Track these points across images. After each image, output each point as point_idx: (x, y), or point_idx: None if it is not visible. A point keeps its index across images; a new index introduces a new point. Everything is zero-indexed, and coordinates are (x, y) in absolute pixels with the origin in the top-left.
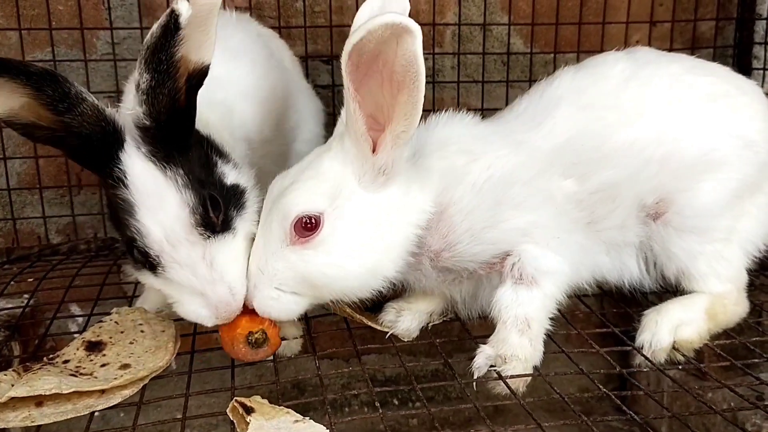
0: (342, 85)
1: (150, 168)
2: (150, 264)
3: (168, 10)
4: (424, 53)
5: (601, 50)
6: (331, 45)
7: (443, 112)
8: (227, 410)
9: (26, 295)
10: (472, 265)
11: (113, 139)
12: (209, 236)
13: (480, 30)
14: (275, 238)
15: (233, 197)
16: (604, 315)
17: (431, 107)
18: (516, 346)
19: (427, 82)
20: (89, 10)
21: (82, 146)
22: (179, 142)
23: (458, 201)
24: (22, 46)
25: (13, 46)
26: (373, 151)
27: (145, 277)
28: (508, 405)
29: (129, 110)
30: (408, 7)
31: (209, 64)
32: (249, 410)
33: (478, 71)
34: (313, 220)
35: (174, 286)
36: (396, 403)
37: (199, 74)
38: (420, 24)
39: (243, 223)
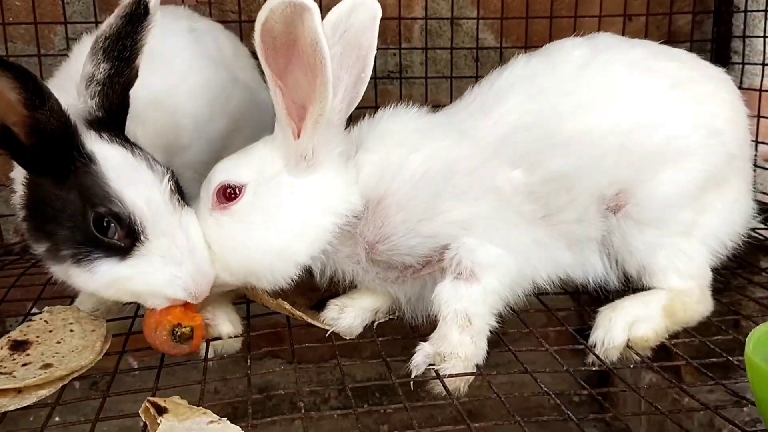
0: None
1: (117, 148)
2: (126, 243)
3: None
4: (390, 48)
5: None
6: None
7: (389, 106)
8: (140, 411)
9: None
10: (410, 259)
11: (72, 131)
12: (183, 206)
13: (449, 24)
14: (202, 205)
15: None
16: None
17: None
18: (456, 344)
19: (394, 78)
20: (47, 5)
21: (38, 143)
22: (123, 133)
23: (394, 192)
24: None
25: None
26: (298, 137)
27: (108, 269)
28: (482, 408)
29: (77, 105)
30: (379, 15)
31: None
32: (162, 411)
33: (448, 67)
34: (236, 191)
35: (149, 262)
36: (365, 407)
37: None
38: (386, 18)
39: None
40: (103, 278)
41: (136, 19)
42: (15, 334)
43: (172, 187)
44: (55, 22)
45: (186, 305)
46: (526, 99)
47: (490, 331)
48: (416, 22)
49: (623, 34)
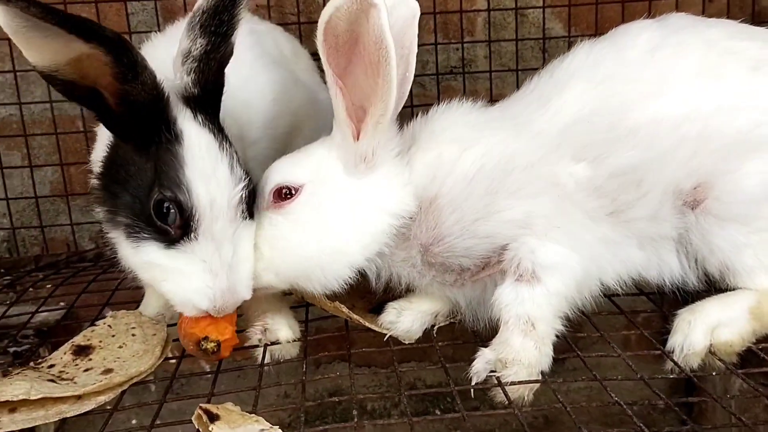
0: None
1: (207, 136)
2: (177, 233)
3: None
4: (453, 43)
5: None
6: None
7: (443, 103)
8: (192, 418)
9: (62, 303)
10: (466, 260)
11: (163, 105)
12: (243, 219)
13: (513, 15)
14: (258, 206)
15: (251, 183)
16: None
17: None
18: (518, 350)
19: (457, 74)
20: (112, 16)
21: (127, 113)
22: (217, 116)
23: (447, 192)
24: None
25: None
26: (357, 138)
27: (149, 252)
28: (560, 415)
29: (173, 80)
30: (418, 12)
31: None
32: (214, 417)
33: (514, 59)
34: (293, 191)
35: (189, 261)
36: (438, 412)
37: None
38: (448, 12)
39: (255, 213)
40: (142, 258)
41: None
42: (79, 339)
43: (244, 195)
44: (120, 33)
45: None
46: (588, 87)
47: (558, 336)
48: (479, 15)
49: (702, 15)
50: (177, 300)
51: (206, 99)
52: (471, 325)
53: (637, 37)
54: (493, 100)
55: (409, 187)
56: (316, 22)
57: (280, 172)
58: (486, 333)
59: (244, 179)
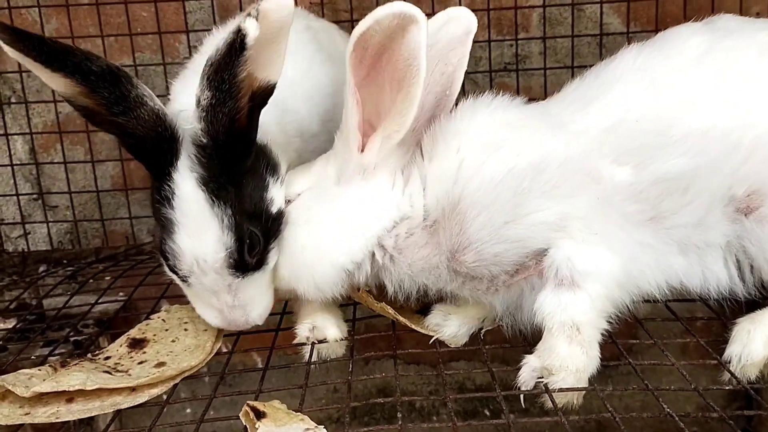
0: None
1: (199, 196)
2: (176, 274)
3: (235, 28)
4: (507, 39)
5: None
6: None
7: (473, 96)
8: (240, 414)
9: (121, 294)
10: (496, 268)
11: (168, 147)
12: (239, 275)
13: (570, 10)
14: None
15: (273, 228)
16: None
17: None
18: (565, 356)
19: (511, 71)
20: (171, 15)
21: (135, 145)
22: (235, 164)
23: (472, 193)
24: (105, 53)
25: (101, 53)
26: (362, 150)
27: (174, 278)
28: (612, 421)
29: (189, 125)
30: (474, 29)
31: (275, 83)
32: (260, 415)
33: (570, 56)
34: (291, 201)
35: (197, 295)
36: (487, 413)
37: (264, 93)
38: (502, 9)
39: (274, 254)
40: (176, 281)
41: (234, 51)
42: (134, 333)
43: (231, 262)
44: (179, 31)
45: None
46: (635, 91)
47: (610, 339)
48: (534, 10)
49: None
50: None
51: (218, 149)
52: (512, 331)
53: (685, 42)
54: (547, 97)
55: (415, 192)
56: None
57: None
58: (534, 335)
59: (240, 241)
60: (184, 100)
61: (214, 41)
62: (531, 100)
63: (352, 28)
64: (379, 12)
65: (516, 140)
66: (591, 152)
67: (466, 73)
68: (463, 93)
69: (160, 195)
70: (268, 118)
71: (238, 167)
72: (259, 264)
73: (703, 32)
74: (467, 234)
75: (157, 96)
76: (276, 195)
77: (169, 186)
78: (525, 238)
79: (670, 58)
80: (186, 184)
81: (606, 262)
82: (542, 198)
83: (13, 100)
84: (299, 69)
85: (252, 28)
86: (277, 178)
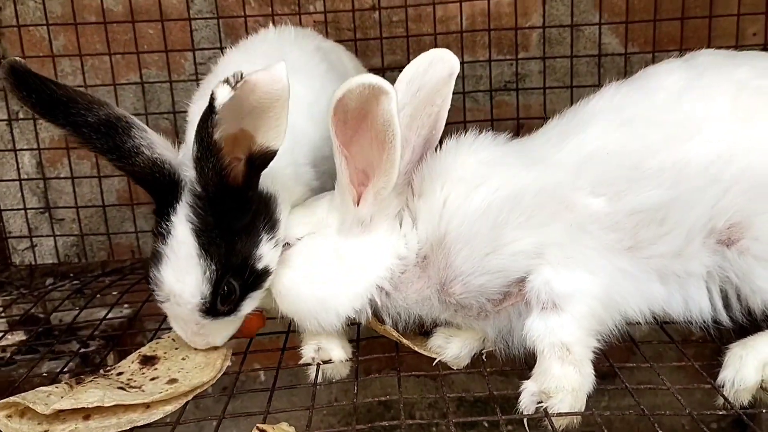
0: None
1: (190, 242)
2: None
3: (211, 92)
4: (507, 59)
5: (709, 47)
6: (408, 55)
7: (452, 137)
8: None
9: (126, 306)
10: (483, 298)
11: (168, 191)
12: (208, 318)
13: (569, 31)
14: None
15: (255, 283)
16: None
17: (516, 114)
18: (560, 377)
19: (511, 89)
20: (177, 32)
21: (139, 182)
22: (229, 218)
23: (456, 228)
24: (112, 70)
25: (109, 69)
26: (357, 204)
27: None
28: None
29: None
30: (456, 71)
31: (276, 150)
32: None
33: (568, 75)
34: (292, 243)
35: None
36: (486, 425)
37: (264, 157)
38: (502, 29)
39: (250, 302)
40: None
41: (206, 113)
42: (145, 350)
43: (203, 308)
44: (185, 49)
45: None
46: (611, 128)
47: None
48: (534, 31)
49: (765, 32)
50: None
51: (210, 202)
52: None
53: (664, 80)
54: (546, 115)
55: (405, 236)
56: (372, 38)
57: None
58: (528, 357)
59: (215, 289)
60: None
61: (226, 62)
62: (530, 118)
63: (355, 46)
64: (351, 83)
65: (494, 177)
66: (565, 183)
67: (467, 91)
68: (464, 112)
69: (158, 229)
70: (280, 150)
71: (233, 222)
72: (230, 312)
73: (681, 69)
74: (453, 267)
75: (163, 112)
76: (266, 253)
77: (166, 225)
78: (505, 267)
79: (648, 95)
80: (181, 228)
81: (585, 283)
82: (518, 229)
83: (21, 115)
84: (313, 89)
85: (221, 94)
86: (272, 237)
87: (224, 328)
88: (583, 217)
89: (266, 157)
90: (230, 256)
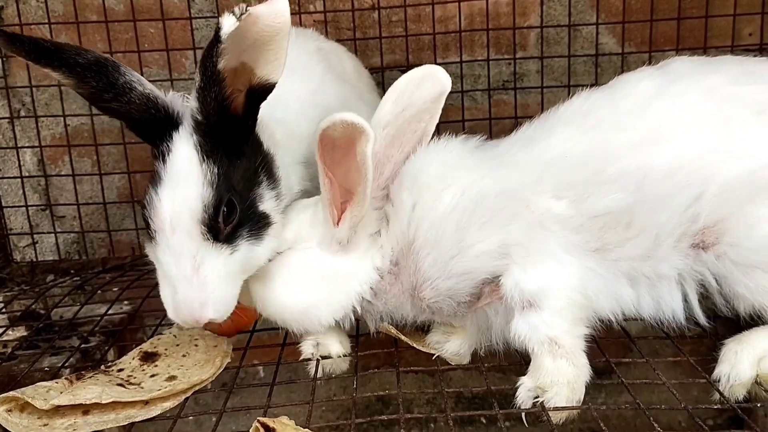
0: None
1: (191, 154)
2: (149, 233)
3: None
4: (505, 58)
5: (705, 46)
6: (407, 54)
7: (431, 141)
8: (250, 430)
9: (126, 302)
10: (453, 301)
11: (165, 123)
12: (208, 239)
13: (567, 30)
14: None
15: (254, 221)
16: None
17: (514, 113)
18: (553, 371)
19: (508, 88)
20: (178, 31)
21: (135, 126)
22: (230, 145)
23: (424, 233)
24: None
25: None
26: (337, 224)
27: (148, 248)
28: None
29: (189, 100)
30: (448, 89)
31: (275, 82)
32: (270, 431)
33: (566, 74)
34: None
35: (160, 267)
36: (484, 421)
37: (263, 88)
38: (501, 28)
39: (248, 247)
40: (146, 245)
41: (212, 45)
42: (146, 347)
43: (205, 216)
44: (186, 48)
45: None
46: (578, 132)
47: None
48: (532, 30)
49: (761, 32)
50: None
51: (210, 128)
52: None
53: (635, 87)
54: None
55: (380, 249)
56: (371, 38)
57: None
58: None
59: (218, 202)
60: None
61: None
62: (528, 117)
63: (355, 46)
64: (334, 118)
65: (459, 180)
66: (527, 185)
67: (465, 90)
68: (463, 111)
69: (156, 153)
70: (279, 135)
71: (233, 150)
72: (229, 239)
73: (654, 77)
74: (421, 272)
75: None
76: (266, 198)
77: (167, 144)
78: (471, 269)
79: (617, 101)
80: (182, 144)
81: (555, 275)
82: (481, 230)
83: (22, 113)
84: (310, 88)
85: (227, 24)
86: (272, 187)
87: (220, 277)
88: (545, 218)
89: (266, 89)
90: (231, 176)
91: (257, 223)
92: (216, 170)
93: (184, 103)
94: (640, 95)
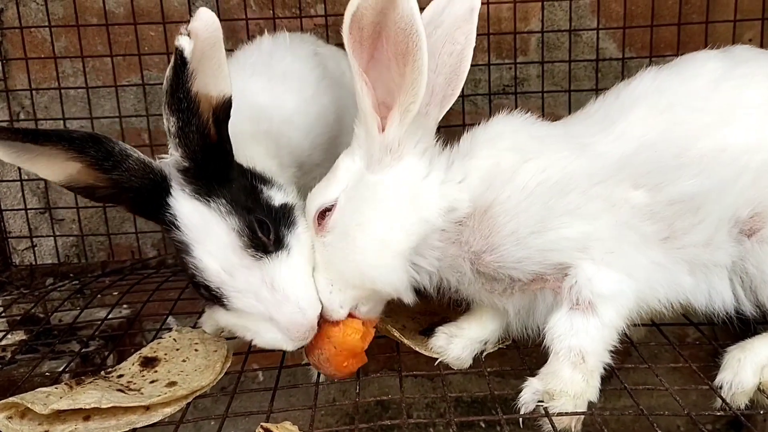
0: None
1: (195, 205)
2: (217, 299)
3: (174, 50)
4: (506, 63)
5: None
6: None
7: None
8: None
9: (125, 306)
10: (516, 272)
11: (161, 187)
12: (262, 257)
13: (567, 35)
14: (312, 235)
15: (282, 216)
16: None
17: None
18: (567, 381)
19: (509, 93)
20: (177, 35)
21: (135, 199)
22: (219, 175)
23: (504, 201)
24: (113, 71)
25: (110, 71)
26: (383, 130)
27: (220, 315)
28: None
29: (168, 157)
30: (477, 4)
31: (230, 95)
32: None
33: (566, 79)
34: (331, 208)
35: (245, 317)
36: (483, 425)
37: (224, 107)
38: (502, 33)
39: (296, 239)
40: (220, 320)
41: (180, 70)
42: (146, 351)
43: (245, 241)
44: None
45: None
46: (652, 113)
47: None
48: (533, 35)
49: (761, 38)
50: (271, 347)
51: (200, 167)
52: (517, 338)
53: (702, 67)
54: (544, 119)
55: (456, 186)
56: None
57: (316, 198)
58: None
59: (248, 221)
60: None
61: None
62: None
63: None
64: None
65: (542, 155)
66: (611, 176)
67: (466, 95)
68: (463, 115)
69: (167, 225)
70: (258, 150)
71: (223, 176)
72: (279, 244)
73: (719, 59)
74: (496, 238)
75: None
76: (274, 194)
77: (170, 213)
78: (549, 249)
79: (687, 81)
80: (182, 204)
81: (623, 288)
82: (567, 216)
83: (22, 116)
84: (302, 97)
85: (186, 43)
86: (272, 185)
87: (293, 275)
88: (626, 212)
89: (227, 106)
90: (237, 199)
91: (285, 215)
92: (224, 201)
93: (165, 162)
94: (708, 75)
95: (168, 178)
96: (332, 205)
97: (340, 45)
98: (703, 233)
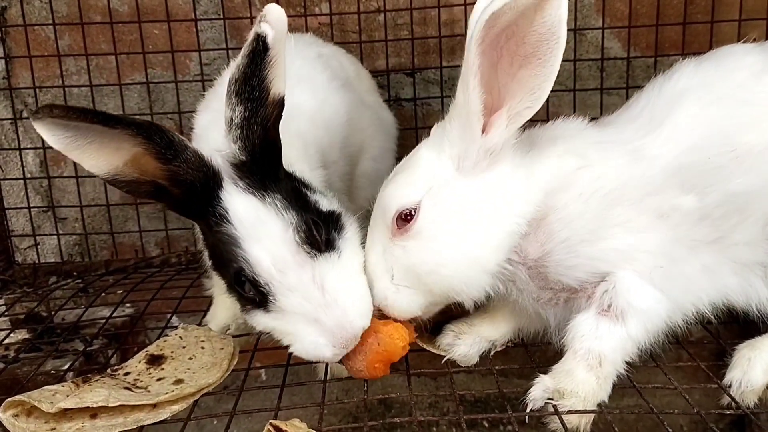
0: (425, 98)
1: (249, 200)
2: (260, 298)
3: (252, 36)
4: None
5: None
6: (413, 57)
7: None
8: None
9: (128, 305)
10: (566, 279)
11: (213, 181)
12: (315, 255)
13: (572, 35)
14: (381, 234)
15: (332, 221)
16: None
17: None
18: (579, 382)
19: None
20: (182, 33)
21: (184, 194)
22: (272, 173)
23: (561, 208)
24: (117, 69)
25: (114, 69)
26: (485, 132)
27: (257, 318)
28: None
29: (222, 151)
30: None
31: (284, 96)
32: None
33: (571, 78)
34: (412, 211)
35: (287, 319)
36: (486, 425)
37: (280, 105)
38: None
39: (346, 243)
40: (257, 323)
41: (259, 56)
42: (152, 349)
43: (301, 236)
44: (190, 50)
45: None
46: (700, 108)
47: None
48: None
49: (766, 37)
50: (310, 356)
51: (256, 162)
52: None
53: (741, 60)
54: (548, 119)
55: (535, 186)
56: (377, 41)
57: (395, 198)
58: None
59: (298, 219)
60: (214, 135)
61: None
62: (533, 120)
63: (360, 48)
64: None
65: (601, 163)
66: (663, 185)
67: None
68: None
69: (216, 217)
70: (292, 153)
71: (275, 175)
72: (330, 245)
73: (757, 52)
74: (550, 245)
75: (168, 112)
76: (320, 200)
77: (222, 208)
78: (596, 258)
79: (729, 74)
80: (234, 198)
81: (658, 307)
82: (617, 227)
83: (25, 114)
84: (318, 98)
85: (269, 29)
86: (314, 191)
87: (344, 278)
88: (676, 220)
89: (282, 105)
90: (290, 197)
91: (334, 220)
92: (278, 197)
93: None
94: (749, 69)
95: (219, 171)
96: (414, 207)
97: (345, 44)
98: (746, 232)
